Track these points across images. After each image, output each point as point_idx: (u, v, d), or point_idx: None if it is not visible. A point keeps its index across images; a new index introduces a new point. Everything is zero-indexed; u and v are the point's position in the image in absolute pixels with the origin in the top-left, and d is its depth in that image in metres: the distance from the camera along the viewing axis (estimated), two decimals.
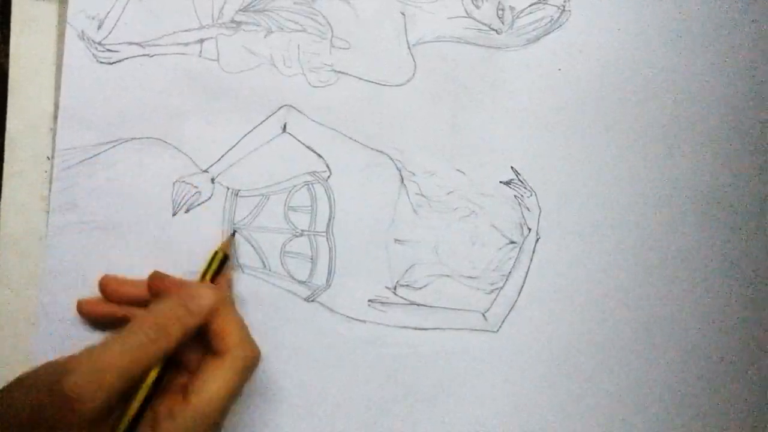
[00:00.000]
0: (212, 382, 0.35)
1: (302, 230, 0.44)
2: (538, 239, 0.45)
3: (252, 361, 0.37)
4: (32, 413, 0.31)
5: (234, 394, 0.35)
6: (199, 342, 0.37)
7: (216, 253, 0.41)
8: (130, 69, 0.43)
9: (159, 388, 0.36)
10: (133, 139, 0.43)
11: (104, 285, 0.41)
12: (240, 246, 0.43)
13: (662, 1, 0.46)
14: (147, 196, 0.43)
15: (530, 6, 0.45)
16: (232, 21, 0.43)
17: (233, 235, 0.43)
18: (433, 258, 0.45)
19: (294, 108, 0.44)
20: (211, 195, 0.43)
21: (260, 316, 0.43)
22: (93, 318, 0.41)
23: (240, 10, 0.44)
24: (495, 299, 0.45)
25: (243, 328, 0.37)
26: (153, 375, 0.35)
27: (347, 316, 0.44)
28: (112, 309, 0.41)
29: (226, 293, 0.40)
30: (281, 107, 0.44)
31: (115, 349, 0.33)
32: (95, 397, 0.31)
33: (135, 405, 0.34)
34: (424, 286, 0.45)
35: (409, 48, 0.45)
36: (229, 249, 0.42)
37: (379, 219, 0.44)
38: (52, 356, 0.41)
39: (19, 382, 0.33)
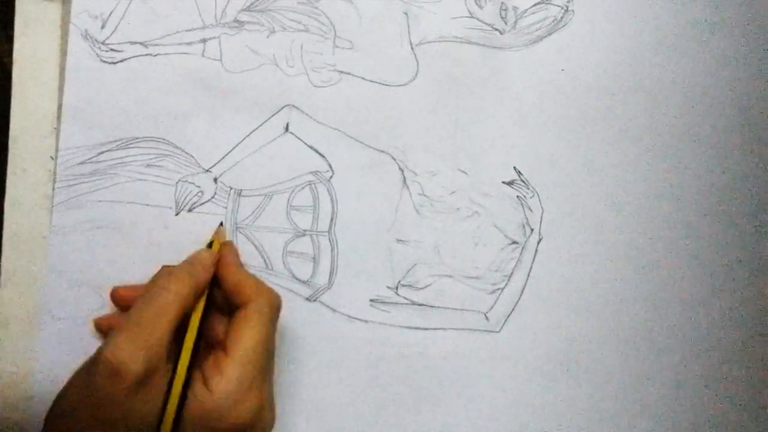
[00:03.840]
0: (245, 330, 0.37)
1: (304, 230, 0.44)
2: (540, 240, 0.45)
3: (275, 304, 0.39)
4: (84, 388, 0.34)
5: (268, 337, 0.38)
6: (222, 316, 0.40)
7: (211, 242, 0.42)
8: (133, 68, 0.43)
9: (199, 347, 0.38)
10: (136, 138, 0.43)
11: (116, 295, 0.42)
12: (242, 246, 0.43)
13: (665, 1, 0.46)
14: (150, 196, 0.43)
15: (533, 6, 0.45)
16: (235, 21, 0.44)
17: (221, 224, 0.43)
18: (435, 258, 0.45)
19: (296, 108, 0.44)
20: (214, 194, 0.43)
21: None
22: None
23: (243, 9, 0.44)
24: (497, 299, 0.45)
25: (256, 278, 0.40)
26: (192, 331, 0.37)
27: (349, 316, 0.44)
28: None
29: (227, 253, 0.42)
30: (284, 107, 0.44)
31: (141, 307, 0.36)
32: (135, 357, 0.33)
33: (184, 360, 0.36)
34: (426, 286, 0.45)
35: (412, 48, 0.45)
36: (219, 236, 0.42)
37: (382, 219, 0.44)
38: (55, 355, 0.42)
39: (79, 369, 0.36)
